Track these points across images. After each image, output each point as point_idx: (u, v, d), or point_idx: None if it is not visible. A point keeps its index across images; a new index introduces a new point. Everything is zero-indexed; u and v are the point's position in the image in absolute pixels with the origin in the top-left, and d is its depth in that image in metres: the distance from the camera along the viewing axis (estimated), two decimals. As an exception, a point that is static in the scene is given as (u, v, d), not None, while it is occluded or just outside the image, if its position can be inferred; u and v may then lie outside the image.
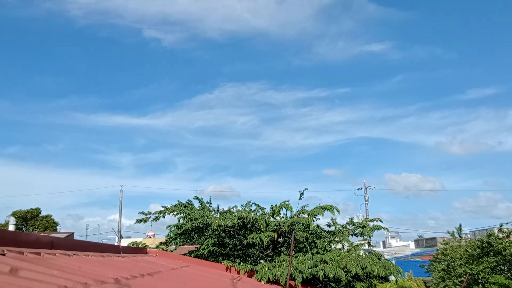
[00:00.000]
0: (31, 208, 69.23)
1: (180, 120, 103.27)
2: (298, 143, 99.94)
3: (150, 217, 16.34)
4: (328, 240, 14.66)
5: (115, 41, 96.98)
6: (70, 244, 6.57)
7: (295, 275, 11.81)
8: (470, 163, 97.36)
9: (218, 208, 16.38)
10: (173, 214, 15.37)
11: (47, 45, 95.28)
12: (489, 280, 19.27)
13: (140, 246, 29.45)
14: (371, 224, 16.16)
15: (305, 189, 14.63)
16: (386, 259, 13.90)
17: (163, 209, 15.66)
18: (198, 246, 15.98)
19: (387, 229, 18.87)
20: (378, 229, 15.89)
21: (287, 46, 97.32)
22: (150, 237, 68.36)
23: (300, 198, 14.55)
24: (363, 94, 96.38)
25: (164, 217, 15.91)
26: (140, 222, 16.43)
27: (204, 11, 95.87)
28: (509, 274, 19.34)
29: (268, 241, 13.06)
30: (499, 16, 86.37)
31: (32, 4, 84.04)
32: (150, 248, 13.68)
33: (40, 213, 71.21)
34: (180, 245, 16.59)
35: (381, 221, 16.19)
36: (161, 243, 18.17)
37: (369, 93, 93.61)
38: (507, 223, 22.35)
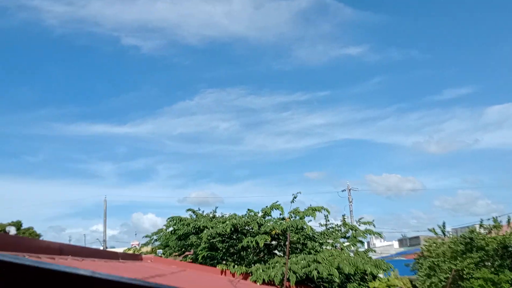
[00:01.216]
0: (12, 222, 67.94)
1: (161, 127, 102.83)
2: (280, 147, 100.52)
3: (153, 238, 16.82)
4: (320, 241, 14.97)
5: (93, 49, 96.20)
6: (77, 250, 6.74)
7: (289, 276, 12.06)
8: (448, 162, 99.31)
9: (214, 211, 16.62)
10: (168, 227, 15.67)
11: (24, 55, 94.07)
12: (473, 275, 19.81)
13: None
14: (363, 227, 16.56)
15: (298, 192, 14.98)
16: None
17: (163, 227, 16.16)
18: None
19: (380, 234, 19.18)
20: (370, 233, 16.32)
21: (266, 51, 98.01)
22: (135, 246, 67.78)
23: (292, 201, 14.88)
24: (343, 96, 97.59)
25: (164, 234, 16.33)
26: (146, 245, 16.96)
27: (182, 17, 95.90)
28: (492, 269, 19.90)
29: (263, 243, 13.31)
30: (471, 17, 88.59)
31: (6, 14, 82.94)
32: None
33: (21, 226, 69.96)
34: (175, 253, 16.73)
35: (374, 226, 16.63)
36: (152, 249, 18.27)
37: (349, 95, 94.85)
38: (488, 219, 23.00)
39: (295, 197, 14.94)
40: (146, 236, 17.31)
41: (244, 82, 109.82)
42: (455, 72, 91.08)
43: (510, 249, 19.82)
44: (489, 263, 20.53)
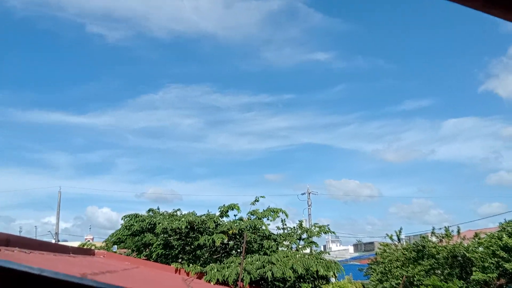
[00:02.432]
0: (-41, 209, 65.12)
1: (122, 120, 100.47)
2: (242, 147, 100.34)
3: (111, 240, 16.47)
4: (276, 242, 15.03)
5: (55, 34, 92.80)
6: (26, 242, 6.47)
7: (243, 276, 12.04)
8: (405, 171, 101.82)
9: (175, 211, 16.47)
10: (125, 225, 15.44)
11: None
12: (424, 283, 20.37)
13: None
14: (317, 229, 16.86)
15: (262, 196, 15.03)
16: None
17: (120, 225, 15.93)
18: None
19: (334, 232, 19.89)
20: (326, 232, 16.57)
21: (234, 50, 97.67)
22: (89, 241, 66.20)
23: (253, 203, 14.93)
24: (307, 101, 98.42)
25: (119, 230, 16.05)
26: (107, 243, 16.60)
27: (150, 9, 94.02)
28: (442, 277, 20.52)
29: (220, 243, 13.24)
30: (434, 32, 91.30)
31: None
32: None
33: (-31, 214, 67.12)
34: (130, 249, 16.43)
35: (328, 229, 16.93)
36: (106, 244, 17.84)
37: (313, 100, 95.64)
38: (440, 228, 23.73)
39: (257, 200, 15.01)
40: (106, 241, 17.02)
41: (210, 79, 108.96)
42: (417, 84, 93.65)
43: (459, 258, 20.49)
44: (439, 271, 21.15)
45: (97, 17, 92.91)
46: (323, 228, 16.81)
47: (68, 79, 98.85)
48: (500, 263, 17.79)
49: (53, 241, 51.76)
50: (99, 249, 19.29)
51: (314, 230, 16.60)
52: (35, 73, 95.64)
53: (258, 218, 14.41)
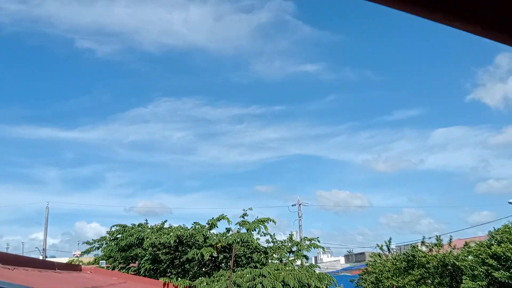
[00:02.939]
0: None
1: (112, 134, 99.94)
2: (233, 159, 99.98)
3: (94, 246, 16.23)
4: (265, 255, 14.94)
5: (45, 50, 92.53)
6: (10, 258, 6.36)
7: (234, 289, 11.95)
8: (396, 181, 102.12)
9: (162, 223, 16.34)
10: (111, 234, 15.21)
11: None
12: (414, 292, 20.39)
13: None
14: (307, 243, 16.84)
15: (250, 208, 14.99)
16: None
17: (104, 236, 15.71)
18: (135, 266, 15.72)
19: (323, 248, 19.94)
20: (315, 247, 16.56)
21: (224, 63, 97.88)
22: (77, 256, 65.32)
23: (242, 216, 14.89)
24: (298, 112, 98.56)
25: (106, 243, 15.84)
26: (86, 253, 16.33)
27: (141, 23, 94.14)
28: (432, 287, 20.55)
29: (208, 257, 13.14)
30: (422, 41, 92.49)
31: (-47, 8, 78.92)
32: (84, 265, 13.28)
33: (-46, 232, 66.03)
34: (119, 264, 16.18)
35: (318, 241, 16.94)
36: (95, 260, 17.62)
37: (303, 111, 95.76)
38: (430, 238, 23.80)
39: (245, 214, 15.00)
40: (87, 243, 16.62)
41: (200, 92, 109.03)
42: (405, 95, 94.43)
43: (449, 267, 20.55)
44: (429, 281, 21.18)
45: (87, 32, 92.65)
46: (313, 242, 16.79)
47: (58, 94, 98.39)
48: (489, 271, 17.84)
49: (41, 257, 50.98)
50: (87, 265, 19.05)
51: (304, 244, 16.58)
52: (25, 89, 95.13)
53: (247, 230, 14.36)
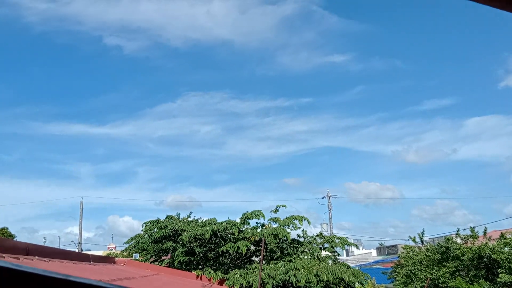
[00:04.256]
0: (-15, 222, 66.49)
1: (141, 129, 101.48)
2: (261, 152, 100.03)
3: (132, 243, 16.63)
4: (300, 250, 14.97)
5: (74, 48, 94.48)
6: (46, 251, 6.52)
7: (267, 281, 11.98)
8: (427, 172, 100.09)
9: (188, 215, 16.51)
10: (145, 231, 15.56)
11: (1, 52, 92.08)
12: (449, 285, 19.98)
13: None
14: (338, 241, 16.87)
15: (283, 205, 15.04)
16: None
17: (141, 232, 16.09)
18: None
19: (355, 245, 19.99)
20: (348, 244, 16.58)
21: (250, 56, 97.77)
22: (112, 249, 66.84)
23: (275, 211, 14.97)
24: (325, 104, 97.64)
25: (141, 238, 16.22)
26: (126, 251, 16.82)
27: (167, 19, 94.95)
28: (467, 279, 20.10)
29: (245, 250, 13.28)
30: (452, 29, 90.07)
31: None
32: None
33: (-5, 226, 68.46)
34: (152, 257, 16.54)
35: (347, 243, 17.04)
36: (129, 253, 18.00)
37: (331, 103, 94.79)
38: (464, 229, 23.27)
39: (277, 210, 15.05)
40: (126, 242, 17.21)
41: (227, 86, 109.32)
42: (436, 83, 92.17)
43: (485, 259, 20.05)
44: (464, 273, 20.73)
45: (115, 29, 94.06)
46: (344, 240, 16.93)
47: (88, 91, 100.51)
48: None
49: (77, 250, 52.38)
50: (121, 258, 19.47)
51: (337, 242, 16.60)
52: (56, 87, 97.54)
53: (280, 226, 14.40)
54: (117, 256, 15.59)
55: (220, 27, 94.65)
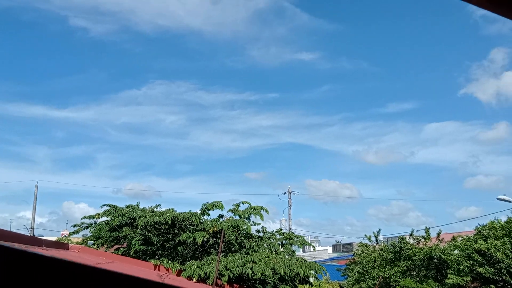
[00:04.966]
0: None
1: (104, 115, 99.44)
2: (225, 145, 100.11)
3: (82, 226, 16.17)
4: (258, 244, 15.07)
5: (39, 26, 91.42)
6: (-3, 233, 6.29)
7: (223, 273, 12.02)
8: (386, 173, 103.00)
9: (155, 207, 16.35)
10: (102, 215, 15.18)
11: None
12: (399, 284, 20.59)
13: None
14: (296, 239, 17.21)
15: (247, 202, 15.19)
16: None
17: (93, 214, 15.66)
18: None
19: (313, 246, 20.45)
20: (306, 244, 16.87)
21: (220, 47, 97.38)
22: (65, 236, 65.27)
23: (236, 206, 15.03)
24: (292, 100, 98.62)
25: (95, 222, 15.80)
26: (75, 233, 16.31)
27: (136, 3, 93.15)
28: (417, 278, 20.77)
29: (202, 241, 13.24)
30: (418, 34, 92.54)
31: None
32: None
33: None
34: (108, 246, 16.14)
35: (306, 241, 17.42)
36: (83, 240, 17.53)
37: (297, 100, 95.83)
38: (417, 231, 24.02)
39: (238, 205, 15.14)
40: (75, 225, 16.62)
41: (195, 76, 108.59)
42: (400, 87, 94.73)
43: (435, 260, 20.75)
44: (415, 273, 21.41)
45: (82, 10, 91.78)
46: (303, 239, 17.35)
47: (50, 72, 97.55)
48: (474, 267, 18.02)
49: (29, 235, 50.79)
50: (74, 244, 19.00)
51: (296, 240, 16.89)
52: (17, 65, 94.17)
53: (240, 217, 14.45)
54: (71, 242, 15.20)
55: (191, 15, 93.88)
